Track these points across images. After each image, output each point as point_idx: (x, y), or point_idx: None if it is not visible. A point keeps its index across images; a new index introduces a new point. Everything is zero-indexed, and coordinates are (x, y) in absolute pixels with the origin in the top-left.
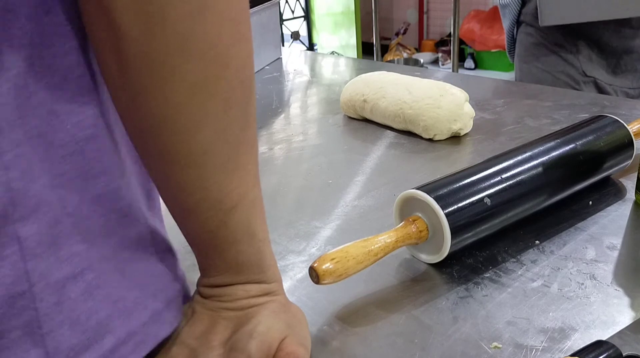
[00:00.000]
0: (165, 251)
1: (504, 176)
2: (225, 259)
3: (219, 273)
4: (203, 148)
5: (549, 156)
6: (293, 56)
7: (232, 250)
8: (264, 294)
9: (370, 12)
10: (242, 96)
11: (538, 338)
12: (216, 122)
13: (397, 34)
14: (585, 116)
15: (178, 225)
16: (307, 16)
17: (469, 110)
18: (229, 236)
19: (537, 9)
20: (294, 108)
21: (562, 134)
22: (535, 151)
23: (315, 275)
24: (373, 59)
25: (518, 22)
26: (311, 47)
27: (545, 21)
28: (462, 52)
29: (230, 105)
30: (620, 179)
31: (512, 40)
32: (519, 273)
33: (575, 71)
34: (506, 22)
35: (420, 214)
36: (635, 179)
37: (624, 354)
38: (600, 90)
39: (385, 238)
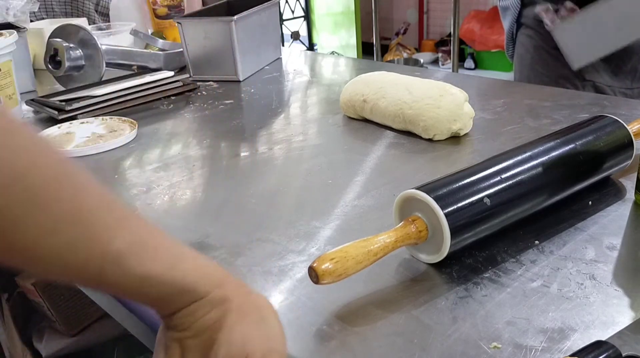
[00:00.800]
0: None
1: (503, 176)
2: (147, 300)
3: (156, 308)
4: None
5: (548, 156)
6: (293, 56)
7: (142, 293)
8: (211, 309)
9: (370, 12)
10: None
11: (537, 338)
12: None
13: (397, 34)
14: (585, 116)
15: None
16: (307, 16)
17: (468, 110)
18: (126, 287)
19: (538, 15)
20: (294, 108)
21: (562, 134)
22: (535, 151)
23: (314, 275)
24: (373, 59)
25: (518, 24)
26: (311, 47)
27: (577, 65)
28: (462, 52)
29: None
30: (620, 180)
31: (512, 42)
32: (519, 273)
33: (574, 75)
34: (506, 24)
35: (419, 215)
36: (635, 179)
37: (623, 354)
38: (599, 91)
39: (384, 238)
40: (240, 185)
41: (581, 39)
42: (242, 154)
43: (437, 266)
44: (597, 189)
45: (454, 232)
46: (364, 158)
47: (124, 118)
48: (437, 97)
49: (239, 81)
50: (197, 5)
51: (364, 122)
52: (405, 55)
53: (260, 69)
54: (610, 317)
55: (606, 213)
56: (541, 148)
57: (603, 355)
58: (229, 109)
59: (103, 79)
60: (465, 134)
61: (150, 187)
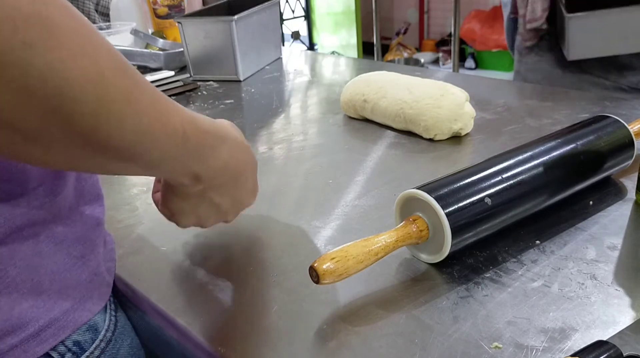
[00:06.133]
0: (86, 249)
1: (504, 175)
2: (203, 150)
3: (200, 160)
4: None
5: (549, 156)
6: (293, 56)
7: (204, 143)
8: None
9: (371, 12)
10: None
11: (538, 338)
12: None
13: (397, 34)
14: (586, 116)
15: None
16: (308, 16)
17: (469, 110)
18: (199, 139)
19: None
20: (294, 108)
21: (563, 134)
22: (536, 150)
23: (315, 274)
24: (373, 59)
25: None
26: (312, 46)
27: (573, 56)
28: (462, 52)
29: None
30: (621, 179)
31: (511, 34)
32: (520, 273)
33: (574, 66)
34: (505, 15)
35: (420, 214)
36: (636, 179)
37: (624, 354)
38: (598, 85)
39: (385, 238)
40: None
41: (589, 34)
42: None
43: (438, 266)
44: (598, 189)
45: (455, 232)
46: (364, 158)
47: None
48: (437, 97)
49: (240, 81)
50: (198, 5)
51: (364, 122)
52: (405, 55)
53: (261, 69)
54: (611, 317)
55: (607, 213)
56: (542, 148)
57: (604, 355)
58: (230, 108)
59: None
60: (466, 134)
61: (151, 186)
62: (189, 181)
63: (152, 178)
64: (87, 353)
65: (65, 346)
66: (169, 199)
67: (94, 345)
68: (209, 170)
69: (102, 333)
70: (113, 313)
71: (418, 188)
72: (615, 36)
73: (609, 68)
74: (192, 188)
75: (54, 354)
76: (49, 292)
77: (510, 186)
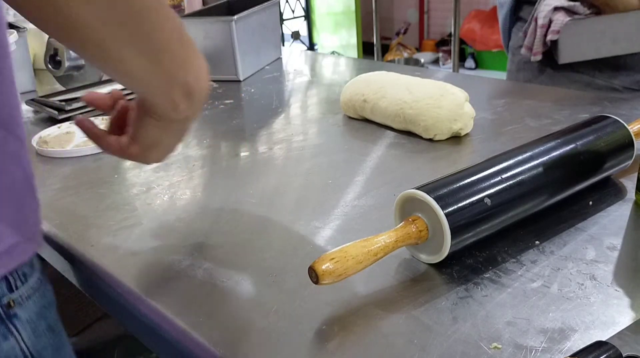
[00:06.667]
0: (31, 197)
1: (504, 176)
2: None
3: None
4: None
5: (549, 156)
6: (293, 56)
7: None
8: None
9: (371, 12)
10: None
11: (538, 338)
12: None
13: (397, 34)
14: (585, 116)
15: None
16: (308, 16)
17: (469, 110)
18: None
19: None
20: (294, 108)
21: (563, 134)
22: (536, 151)
23: (314, 275)
24: (373, 59)
25: (517, 17)
26: (311, 47)
27: (563, 59)
28: (462, 52)
29: None
30: (621, 180)
31: (507, 34)
32: (519, 273)
33: (566, 65)
34: (500, 17)
35: (420, 215)
36: (636, 179)
37: (623, 355)
38: (590, 85)
39: (385, 238)
40: (240, 185)
41: (579, 38)
42: (242, 154)
43: (438, 266)
44: (597, 190)
45: (455, 232)
46: (364, 158)
47: None
48: (437, 97)
49: (239, 81)
50: (198, 5)
51: (364, 122)
52: (405, 55)
53: (261, 69)
54: (610, 317)
55: (607, 213)
56: (542, 148)
57: (603, 356)
58: (229, 109)
59: (103, 79)
60: (466, 134)
61: (150, 187)
62: (181, 97)
63: (151, 179)
64: (29, 284)
65: (17, 273)
66: (146, 132)
67: (33, 279)
68: (198, 83)
69: (37, 273)
70: (39, 263)
71: (417, 188)
72: (605, 40)
73: (601, 68)
74: (181, 111)
75: (9, 277)
76: (17, 216)
77: (510, 186)
